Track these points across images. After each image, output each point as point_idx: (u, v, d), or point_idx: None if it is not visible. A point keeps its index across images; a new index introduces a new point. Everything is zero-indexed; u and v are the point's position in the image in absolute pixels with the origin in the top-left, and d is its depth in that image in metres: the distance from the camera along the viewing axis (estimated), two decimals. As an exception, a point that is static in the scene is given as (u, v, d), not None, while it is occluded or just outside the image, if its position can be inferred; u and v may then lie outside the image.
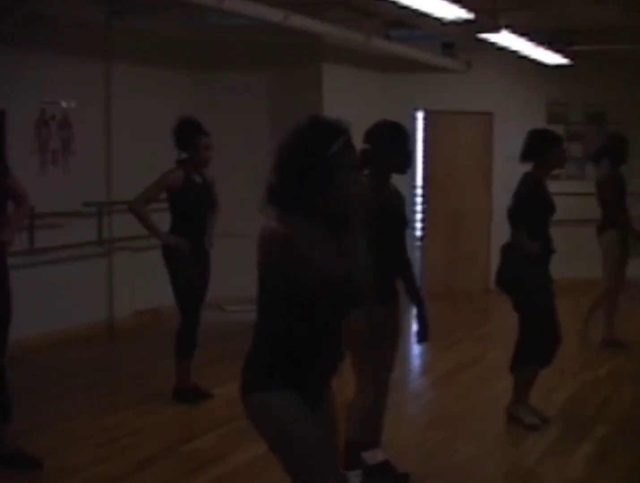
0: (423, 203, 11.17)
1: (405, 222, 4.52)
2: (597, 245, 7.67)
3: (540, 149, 5.43)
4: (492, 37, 8.24)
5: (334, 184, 2.70)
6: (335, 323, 2.83)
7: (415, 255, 11.11)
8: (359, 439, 4.38)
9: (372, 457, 4.59)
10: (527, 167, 5.55)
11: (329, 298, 2.74)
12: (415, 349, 8.35)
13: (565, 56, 9.80)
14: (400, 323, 4.61)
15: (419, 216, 11.21)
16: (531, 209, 5.37)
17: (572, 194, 10.23)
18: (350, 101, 9.74)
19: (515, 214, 5.43)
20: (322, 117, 2.81)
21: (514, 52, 9.35)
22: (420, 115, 11.02)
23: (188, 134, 5.89)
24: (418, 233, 11.21)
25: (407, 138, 4.41)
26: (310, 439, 2.77)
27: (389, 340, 4.50)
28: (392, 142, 4.32)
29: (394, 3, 6.75)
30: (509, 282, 5.46)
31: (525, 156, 5.51)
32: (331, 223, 2.76)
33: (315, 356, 2.79)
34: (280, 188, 2.74)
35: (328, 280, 2.70)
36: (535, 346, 5.44)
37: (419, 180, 11.14)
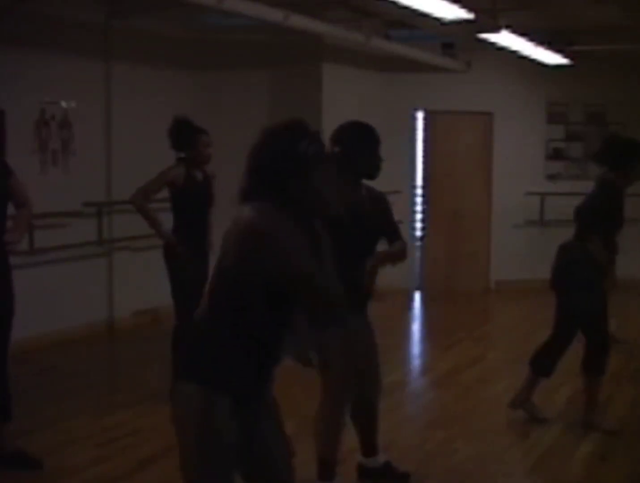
0: (423, 203, 11.18)
1: (375, 232, 4.24)
2: None
3: (628, 158, 5.35)
4: (492, 37, 8.24)
5: (305, 182, 2.71)
6: (287, 327, 2.81)
7: (416, 256, 11.13)
8: (325, 452, 4.24)
9: (372, 462, 4.58)
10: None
11: (295, 302, 2.73)
12: (415, 349, 8.36)
13: (565, 56, 9.80)
14: (373, 335, 4.39)
15: (419, 216, 11.22)
16: (610, 216, 5.29)
17: (572, 194, 10.22)
18: (350, 101, 9.74)
19: (595, 218, 5.32)
20: (291, 119, 2.81)
21: (514, 52, 9.34)
22: (420, 115, 11.02)
23: (185, 134, 5.91)
24: (418, 233, 11.22)
25: (378, 141, 4.17)
26: (218, 456, 2.75)
27: (365, 353, 4.32)
28: (363, 145, 4.10)
29: (394, 3, 6.75)
30: (573, 284, 5.35)
31: (603, 161, 5.44)
32: (302, 221, 2.74)
33: (264, 363, 2.78)
34: (252, 188, 2.75)
35: (304, 276, 2.67)
36: (601, 353, 5.38)
37: (419, 180, 11.14)
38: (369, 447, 4.56)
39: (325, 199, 2.76)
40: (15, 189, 4.77)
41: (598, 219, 5.31)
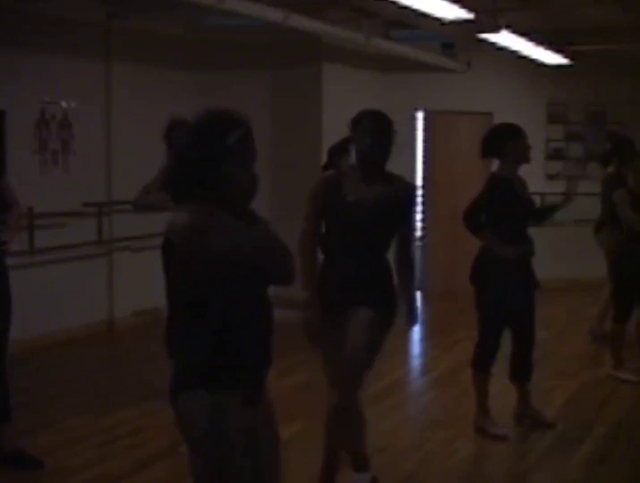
0: (423, 203, 11.17)
1: (388, 227, 4.13)
2: (596, 243, 7.73)
3: (499, 143, 5.26)
4: (492, 37, 8.24)
5: (230, 176, 2.68)
6: (251, 312, 2.77)
7: (416, 255, 11.14)
8: (353, 446, 4.22)
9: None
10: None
11: (239, 283, 2.71)
12: (415, 349, 8.35)
13: (565, 56, 9.80)
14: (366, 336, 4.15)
15: (419, 216, 11.21)
16: (495, 210, 5.21)
17: (572, 194, 10.23)
18: (350, 101, 9.71)
19: (473, 213, 5.27)
20: (222, 110, 2.77)
21: (514, 52, 9.35)
22: (420, 115, 11.02)
23: (183, 135, 5.89)
24: (418, 233, 11.21)
25: (379, 125, 4.15)
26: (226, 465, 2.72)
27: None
28: (388, 135, 4.12)
29: (394, 3, 6.76)
30: (475, 282, 5.38)
31: (485, 153, 5.37)
32: (231, 213, 2.72)
33: (236, 350, 2.73)
34: (179, 181, 2.74)
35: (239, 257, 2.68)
36: (488, 351, 5.40)
37: (419, 180, 11.14)
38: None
39: (246, 186, 2.73)
40: (3, 190, 4.77)
41: (476, 213, 5.27)
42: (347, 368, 4.06)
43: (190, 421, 2.73)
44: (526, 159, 5.34)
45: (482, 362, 5.46)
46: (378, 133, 4.11)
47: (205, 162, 2.68)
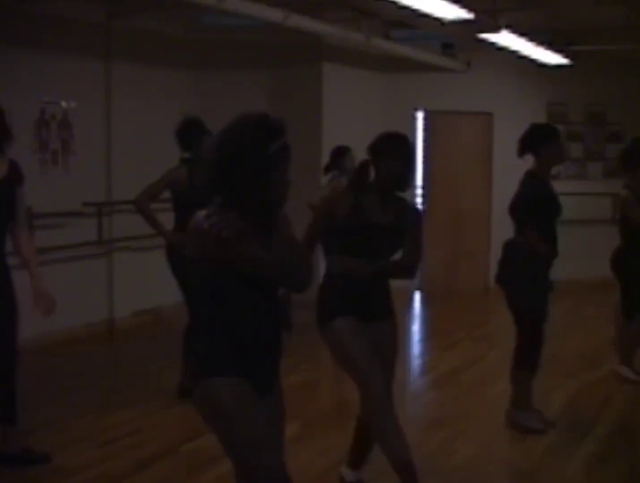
0: (423, 203, 11.18)
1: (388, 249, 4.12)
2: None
3: (540, 142, 5.30)
4: (492, 37, 8.24)
5: (268, 183, 2.72)
6: (265, 303, 2.84)
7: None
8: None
9: (347, 474, 4.44)
10: (528, 166, 5.49)
11: (254, 281, 2.76)
12: (415, 349, 8.35)
13: (565, 56, 9.80)
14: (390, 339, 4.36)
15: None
16: (537, 208, 5.26)
17: (572, 194, 10.23)
18: (350, 101, 9.74)
19: (522, 212, 5.32)
20: (264, 115, 2.79)
21: (514, 52, 9.34)
22: (420, 115, 11.02)
23: (194, 134, 5.90)
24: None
25: (411, 152, 4.09)
26: (253, 427, 2.76)
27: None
28: (394, 156, 3.99)
29: (394, 3, 6.75)
30: (507, 280, 5.42)
31: (522, 152, 5.41)
32: (259, 219, 2.77)
33: (250, 338, 2.80)
34: (215, 183, 2.77)
35: (255, 268, 2.73)
36: (532, 349, 5.39)
37: (419, 180, 11.14)
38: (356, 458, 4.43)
39: (281, 192, 2.78)
40: (18, 199, 4.78)
41: (526, 212, 5.28)
42: (381, 389, 4.30)
43: (214, 403, 2.78)
44: (562, 160, 5.47)
45: (530, 359, 5.44)
46: (406, 159, 4.04)
47: (246, 170, 2.70)
